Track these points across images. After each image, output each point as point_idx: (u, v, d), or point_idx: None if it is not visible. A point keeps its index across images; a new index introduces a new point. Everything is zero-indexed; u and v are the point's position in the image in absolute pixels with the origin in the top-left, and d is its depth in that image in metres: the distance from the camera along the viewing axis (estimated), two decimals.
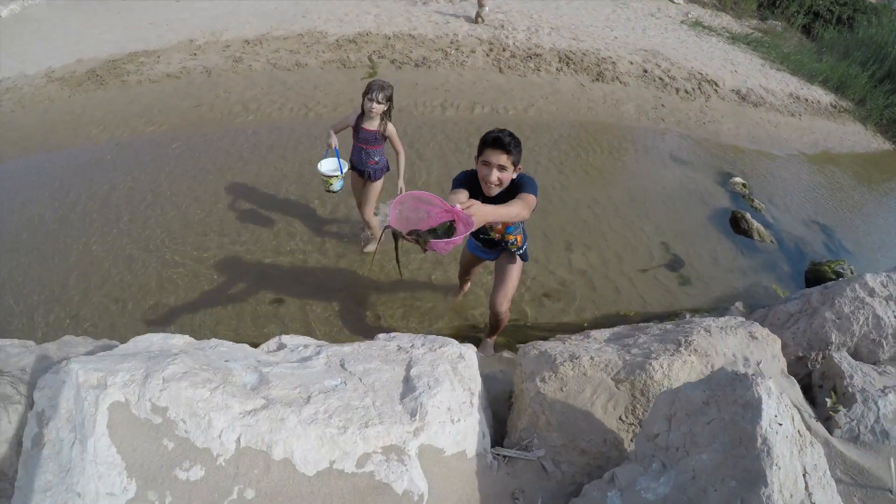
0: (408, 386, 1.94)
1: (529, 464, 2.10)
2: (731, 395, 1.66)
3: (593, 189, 6.66)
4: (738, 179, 7.28)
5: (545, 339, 4.50)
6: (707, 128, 8.81)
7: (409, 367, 2.04)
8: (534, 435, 2.17)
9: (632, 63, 10.18)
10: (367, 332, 4.59)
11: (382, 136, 4.51)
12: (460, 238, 2.27)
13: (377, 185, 4.80)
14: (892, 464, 2.21)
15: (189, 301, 4.90)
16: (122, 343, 3.12)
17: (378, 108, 4.29)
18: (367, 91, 4.27)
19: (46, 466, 1.65)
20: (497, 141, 2.96)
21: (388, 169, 4.78)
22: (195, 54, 9.57)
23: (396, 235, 2.31)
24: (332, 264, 5.28)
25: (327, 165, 4.68)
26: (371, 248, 5.30)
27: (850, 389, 2.57)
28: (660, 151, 7.84)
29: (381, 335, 2.45)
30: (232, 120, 8.02)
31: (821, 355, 2.97)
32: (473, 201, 2.39)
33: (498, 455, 2.11)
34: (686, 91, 9.69)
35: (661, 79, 9.87)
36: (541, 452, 2.12)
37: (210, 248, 5.47)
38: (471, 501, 1.92)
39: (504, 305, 3.78)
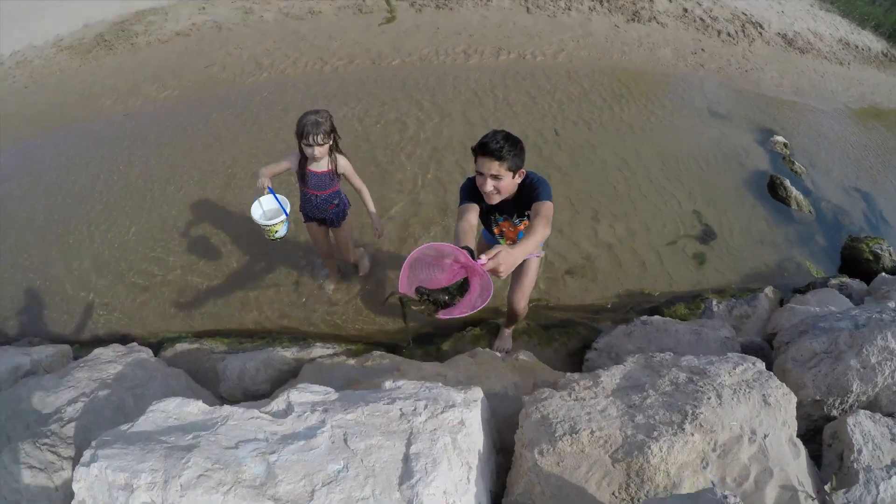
0: (406, 468, 1.88)
1: None
2: None
3: (624, 148, 6.22)
4: (779, 138, 6.77)
5: (566, 321, 4.31)
6: (749, 76, 8.19)
7: (409, 444, 1.96)
8: (529, 503, 2.12)
9: (671, 0, 9.44)
10: (386, 313, 4.41)
11: (336, 175, 3.77)
12: (475, 308, 2.06)
13: (346, 226, 4.12)
14: None
15: (213, 285, 4.78)
16: (148, 346, 3.50)
17: (321, 150, 3.51)
18: (300, 133, 3.45)
19: None
20: (484, 148, 2.60)
21: (349, 204, 4.06)
22: (204, 8, 9.14)
23: (404, 302, 2.07)
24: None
25: (267, 206, 3.75)
26: (330, 287, 4.68)
27: (854, 466, 2.39)
28: (696, 104, 7.29)
29: (386, 384, 2.33)
30: (244, 80, 7.72)
31: (838, 401, 2.78)
32: (500, 249, 2.10)
33: None
34: (728, 34, 9.00)
35: (702, 19, 9.16)
36: None
37: (229, 226, 5.29)
38: None
39: (522, 303, 3.57)
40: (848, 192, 6.38)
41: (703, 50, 8.51)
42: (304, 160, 3.65)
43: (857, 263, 5.23)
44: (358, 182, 3.84)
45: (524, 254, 2.26)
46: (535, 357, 3.56)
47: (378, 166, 5.85)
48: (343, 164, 3.75)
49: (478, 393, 2.27)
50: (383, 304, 4.33)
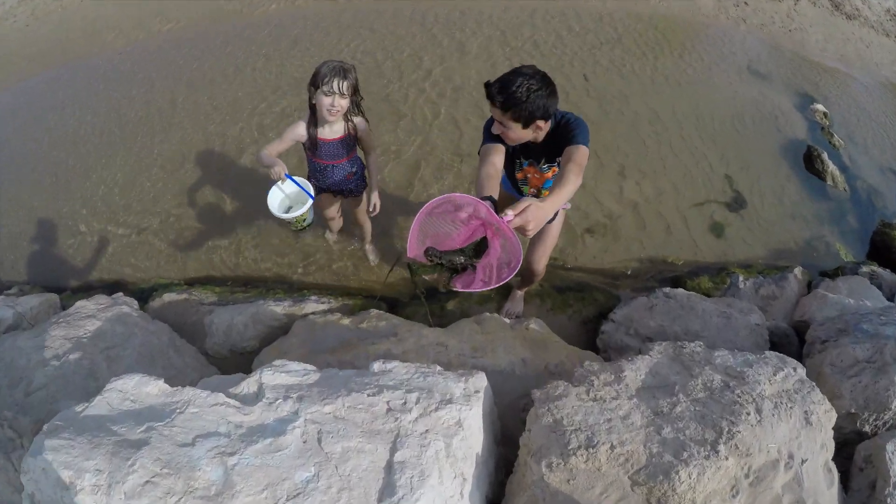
0: (389, 480, 1.51)
1: None
2: None
3: (657, 101, 5.66)
4: (819, 107, 6.19)
5: (583, 284, 3.91)
6: (792, 36, 7.51)
7: (394, 449, 1.58)
8: None
9: None
10: (387, 265, 4.01)
11: (354, 139, 3.07)
12: (502, 280, 1.65)
13: (363, 195, 3.50)
14: None
15: (210, 229, 4.40)
16: (139, 293, 3.39)
17: (341, 104, 2.78)
18: (318, 80, 2.70)
19: None
20: (486, 90, 2.14)
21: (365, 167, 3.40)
22: None
23: (414, 270, 1.67)
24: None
25: (289, 193, 3.08)
26: (332, 236, 4.14)
27: (889, 501, 2.12)
28: (737, 59, 6.67)
29: (374, 366, 1.92)
30: (253, 11, 7.17)
31: (873, 416, 2.45)
32: (529, 203, 1.67)
33: None
34: None
35: None
36: None
37: (229, 166, 4.87)
38: None
39: (542, 262, 3.12)
40: (885, 174, 5.83)
41: (745, 3, 7.80)
42: (313, 122, 2.94)
43: (887, 251, 4.79)
44: (371, 143, 3.21)
45: (555, 207, 1.86)
46: (547, 327, 3.17)
47: (390, 103, 5.36)
48: (361, 125, 3.07)
49: (480, 381, 1.88)
50: (389, 273, 3.86)
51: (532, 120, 2.18)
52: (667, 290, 3.59)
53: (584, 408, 1.89)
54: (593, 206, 4.45)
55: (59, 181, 5.04)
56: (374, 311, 3.17)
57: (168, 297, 3.61)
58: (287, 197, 3.08)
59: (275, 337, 3.22)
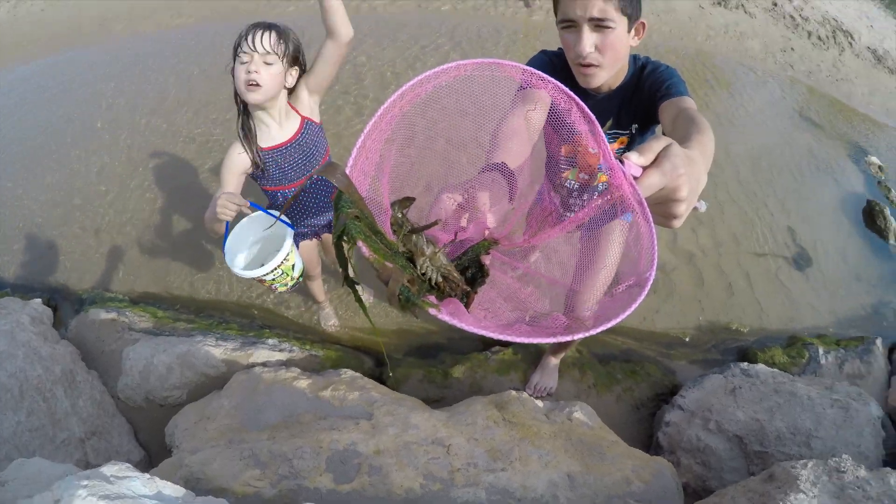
0: None
1: None
2: None
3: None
4: (874, 160, 5.17)
5: (630, 352, 2.87)
6: (839, 87, 6.48)
7: None
8: None
9: None
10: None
11: (317, 130, 1.94)
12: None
13: None
14: None
15: (182, 234, 3.48)
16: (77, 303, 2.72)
17: (269, 73, 1.70)
18: (234, 49, 1.70)
19: None
20: None
21: None
22: None
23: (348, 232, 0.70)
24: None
25: (254, 233, 1.90)
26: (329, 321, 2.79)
27: None
28: (787, 105, 5.66)
29: None
30: (269, 11, 6.22)
31: None
32: (668, 141, 0.73)
33: None
34: (819, 38, 7.22)
35: (791, 17, 7.36)
36: None
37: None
38: None
39: (591, 304, 1.46)
40: None
41: (792, 49, 6.80)
42: (245, 137, 1.77)
43: None
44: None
45: (707, 165, 0.87)
46: (597, 417, 2.12)
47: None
48: (305, 97, 1.88)
49: None
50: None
51: (638, 17, 1.33)
52: (744, 365, 2.56)
53: None
54: None
55: (24, 172, 4.21)
56: (345, 374, 2.09)
57: (93, 313, 2.58)
58: (256, 244, 1.92)
59: (208, 389, 2.20)
